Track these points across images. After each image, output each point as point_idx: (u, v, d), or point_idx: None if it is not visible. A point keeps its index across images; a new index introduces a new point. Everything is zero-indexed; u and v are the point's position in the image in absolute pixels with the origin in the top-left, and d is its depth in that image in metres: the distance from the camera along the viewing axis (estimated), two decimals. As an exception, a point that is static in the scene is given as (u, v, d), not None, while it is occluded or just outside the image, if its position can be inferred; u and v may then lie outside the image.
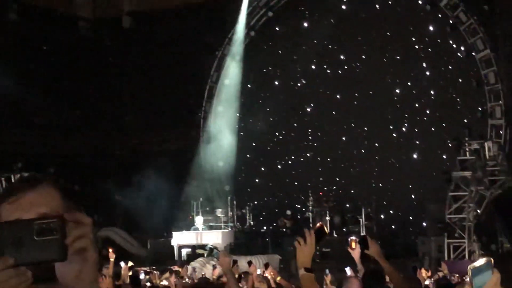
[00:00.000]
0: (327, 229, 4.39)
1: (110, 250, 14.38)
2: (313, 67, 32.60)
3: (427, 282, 11.65)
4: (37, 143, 32.22)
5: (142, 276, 15.33)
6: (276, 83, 33.19)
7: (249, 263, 14.09)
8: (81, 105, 34.15)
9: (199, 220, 27.52)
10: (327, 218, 27.74)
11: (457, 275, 16.25)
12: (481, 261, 2.21)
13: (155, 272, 17.52)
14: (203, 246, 26.41)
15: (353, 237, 8.55)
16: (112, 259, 13.61)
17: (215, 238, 27.26)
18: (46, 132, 32.87)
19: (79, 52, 34.22)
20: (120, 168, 34.96)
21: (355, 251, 8.05)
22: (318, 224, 4.39)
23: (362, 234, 27.02)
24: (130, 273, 14.50)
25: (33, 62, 32.39)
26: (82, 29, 35.86)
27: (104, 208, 32.81)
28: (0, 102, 31.27)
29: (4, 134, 31.28)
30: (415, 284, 6.96)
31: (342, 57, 32.32)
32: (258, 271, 14.70)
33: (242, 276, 14.00)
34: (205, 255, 24.90)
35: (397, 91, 31.51)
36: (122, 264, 15.31)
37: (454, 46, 29.79)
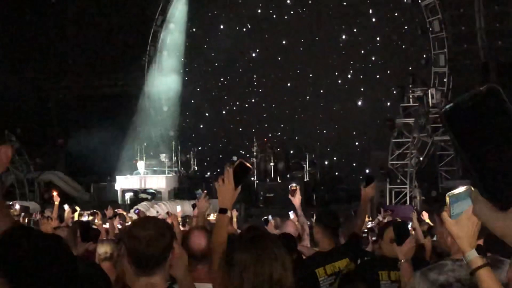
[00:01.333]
0: (248, 164, 4.14)
1: (55, 193, 14.20)
2: (259, 11, 32.29)
3: (368, 225, 11.91)
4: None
5: (85, 218, 15.22)
6: (221, 27, 32.80)
7: (193, 206, 14.04)
8: (24, 47, 33.38)
9: (140, 165, 27.38)
10: (271, 164, 27.86)
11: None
12: (460, 189, 2.16)
13: (98, 213, 17.39)
14: (145, 190, 26.35)
15: (293, 184, 8.60)
16: (56, 202, 13.45)
17: (159, 182, 27.19)
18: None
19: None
20: (63, 111, 34.48)
21: (296, 198, 8.12)
22: (237, 162, 4.16)
23: (306, 180, 27.25)
24: (75, 215, 14.32)
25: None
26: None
27: (47, 151, 32.45)
28: None
29: None
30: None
31: (288, 1, 32.07)
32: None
33: (187, 220, 14.02)
34: (149, 199, 24.88)
35: (343, 37, 31.51)
36: (66, 207, 15.16)
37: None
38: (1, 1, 31.97)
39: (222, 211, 4.02)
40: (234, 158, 27.74)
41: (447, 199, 2.19)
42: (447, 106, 1.11)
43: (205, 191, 6.36)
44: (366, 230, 10.67)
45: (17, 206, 19.52)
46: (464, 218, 2.26)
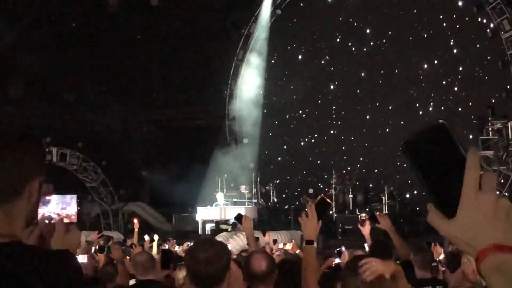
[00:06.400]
0: (329, 200, 4.50)
1: (135, 220, 14.66)
2: (338, 41, 32.48)
3: (441, 257, 11.86)
4: (65, 118, 32.69)
5: (166, 247, 15.63)
6: (300, 58, 33.13)
7: (263, 233, 14.34)
8: (109, 81, 34.50)
9: (220, 196, 27.77)
10: (350, 196, 27.87)
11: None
12: None
13: (173, 240, 17.84)
14: (226, 221, 26.69)
15: (363, 214, 8.79)
16: (136, 229, 13.88)
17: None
18: (75, 107, 33.32)
19: (108, 29, 34.51)
20: (147, 144, 35.37)
21: (365, 228, 8.32)
22: (318, 197, 4.48)
23: (385, 212, 27.14)
24: (154, 245, 14.73)
25: (61, 38, 32.78)
26: (111, 7, 36.04)
27: (131, 183, 33.30)
28: (29, 77, 31.85)
29: (33, 109, 31.82)
30: (429, 256, 7.28)
31: (368, 31, 32.16)
32: (281, 245, 15.00)
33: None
34: (229, 230, 25.21)
35: (425, 67, 31.32)
36: (146, 237, 15.63)
37: (485, 21, 29.48)
38: (85, 38, 33.15)
39: (309, 242, 4.40)
40: (311, 190, 27.93)
41: None
42: (405, 140, 1.44)
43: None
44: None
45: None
46: None
